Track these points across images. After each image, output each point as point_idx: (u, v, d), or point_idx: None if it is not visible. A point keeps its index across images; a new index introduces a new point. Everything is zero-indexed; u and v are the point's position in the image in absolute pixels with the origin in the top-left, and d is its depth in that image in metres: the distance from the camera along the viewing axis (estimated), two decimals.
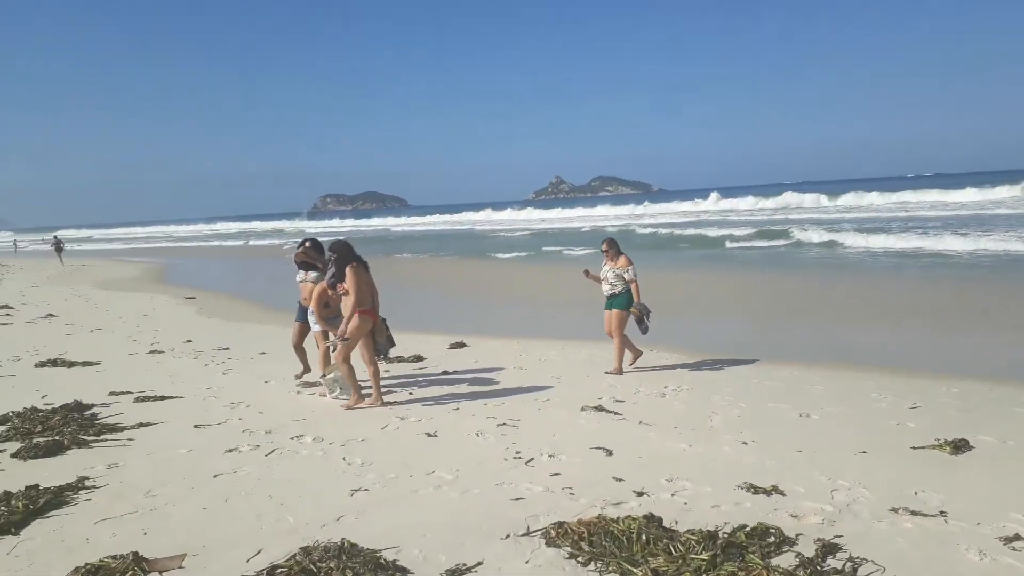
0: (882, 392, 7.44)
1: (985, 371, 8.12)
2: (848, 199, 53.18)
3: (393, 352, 10.17)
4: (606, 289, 8.88)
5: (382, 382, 8.51)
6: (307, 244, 8.14)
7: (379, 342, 7.67)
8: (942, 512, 4.34)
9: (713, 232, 34.01)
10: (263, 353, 10.58)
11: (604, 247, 9.00)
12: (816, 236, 27.58)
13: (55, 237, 45.89)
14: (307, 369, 8.48)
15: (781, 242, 28.01)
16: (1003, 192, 48.06)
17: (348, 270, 7.01)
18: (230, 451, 5.82)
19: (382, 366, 9.52)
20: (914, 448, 5.64)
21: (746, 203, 60.72)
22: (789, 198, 57.26)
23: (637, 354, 9.00)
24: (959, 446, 5.59)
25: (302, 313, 8.20)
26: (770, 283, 18.06)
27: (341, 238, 7.51)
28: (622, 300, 8.75)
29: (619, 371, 8.71)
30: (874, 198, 52.30)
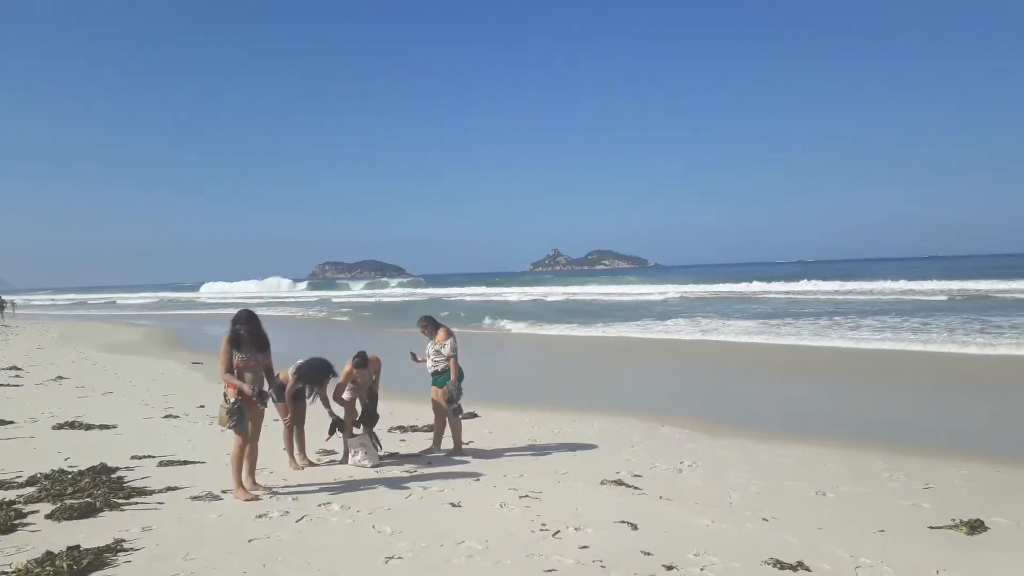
0: (894, 472, 7.58)
1: (990, 450, 8.28)
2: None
3: (407, 422, 10.34)
4: (430, 366, 8.52)
5: (399, 451, 8.65)
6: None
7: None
8: None
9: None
10: (276, 420, 10.67)
11: (420, 328, 8.61)
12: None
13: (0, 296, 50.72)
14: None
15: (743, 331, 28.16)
16: None
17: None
18: (260, 517, 5.92)
19: (397, 435, 9.67)
20: (931, 528, 5.78)
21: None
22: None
23: (447, 444, 8.62)
24: (975, 527, 5.72)
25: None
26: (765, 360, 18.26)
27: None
28: (445, 378, 8.38)
29: (459, 450, 8.49)
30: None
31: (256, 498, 6.48)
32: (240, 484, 6.56)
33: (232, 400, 6.41)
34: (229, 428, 6.43)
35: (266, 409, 6.92)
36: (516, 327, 28.93)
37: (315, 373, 7.88)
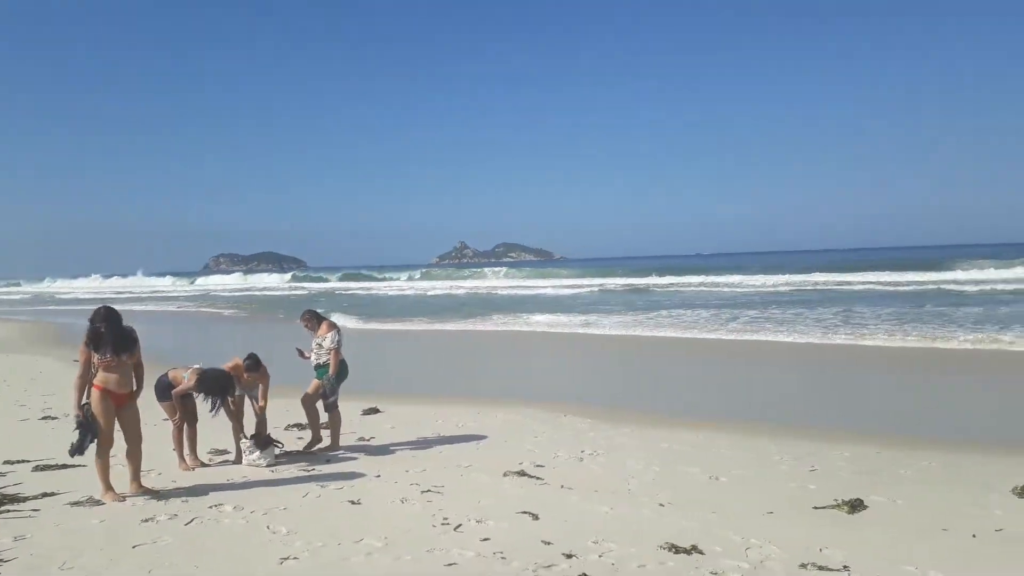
0: (782, 455, 7.92)
1: (871, 431, 8.80)
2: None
3: (304, 419, 10.04)
4: (312, 359, 8.51)
5: (297, 449, 8.41)
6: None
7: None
8: (845, 567, 4.72)
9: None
10: (166, 419, 10.19)
11: (303, 322, 8.58)
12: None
13: None
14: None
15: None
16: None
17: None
18: (146, 521, 5.63)
19: (294, 432, 9.41)
20: (816, 508, 6.07)
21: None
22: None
23: (315, 440, 8.45)
24: (855, 506, 6.05)
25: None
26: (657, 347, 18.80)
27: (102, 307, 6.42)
28: (326, 370, 8.40)
29: (335, 446, 8.41)
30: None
31: (124, 499, 6.24)
32: (109, 486, 6.30)
33: (76, 413, 6.26)
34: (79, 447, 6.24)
35: (140, 409, 6.67)
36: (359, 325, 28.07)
37: (216, 386, 7.52)
